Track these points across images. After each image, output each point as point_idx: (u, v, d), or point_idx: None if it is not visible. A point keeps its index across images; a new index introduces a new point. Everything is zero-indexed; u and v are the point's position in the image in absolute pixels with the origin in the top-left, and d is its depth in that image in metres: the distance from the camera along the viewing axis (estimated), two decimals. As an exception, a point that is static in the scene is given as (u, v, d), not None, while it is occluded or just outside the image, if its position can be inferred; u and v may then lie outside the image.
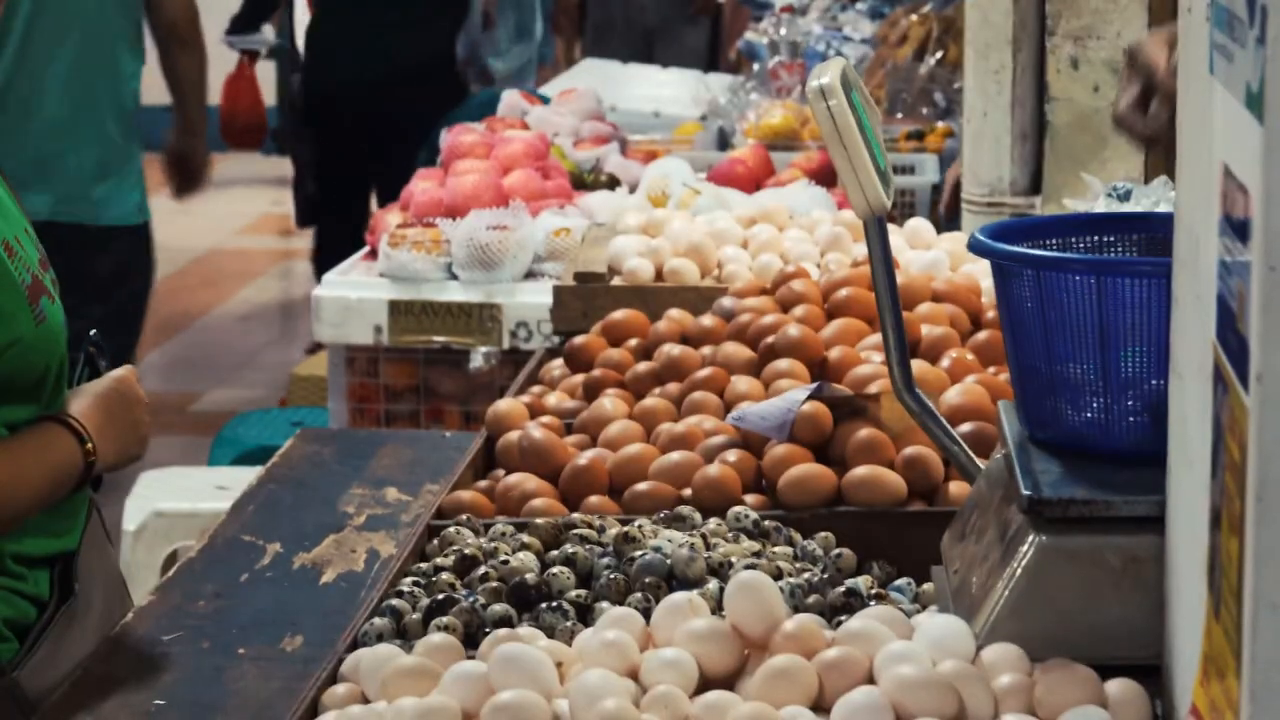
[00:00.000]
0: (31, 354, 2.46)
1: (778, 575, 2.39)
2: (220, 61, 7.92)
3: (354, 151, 7.69)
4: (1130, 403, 2.08)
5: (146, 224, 5.93)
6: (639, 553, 2.40)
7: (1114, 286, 2.05)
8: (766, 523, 2.59)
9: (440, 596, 2.35)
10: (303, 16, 9.29)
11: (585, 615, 2.33)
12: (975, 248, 2.20)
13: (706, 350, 3.17)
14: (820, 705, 1.96)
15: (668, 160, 5.30)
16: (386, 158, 7.38)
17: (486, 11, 8.42)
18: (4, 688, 2.42)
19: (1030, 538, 2.01)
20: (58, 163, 5.63)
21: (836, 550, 2.57)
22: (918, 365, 3.00)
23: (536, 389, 3.30)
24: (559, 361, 3.42)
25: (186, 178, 6.43)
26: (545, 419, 3.04)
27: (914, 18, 7.34)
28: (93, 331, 2.67)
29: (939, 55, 6.96)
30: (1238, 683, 1.55)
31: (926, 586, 2.46)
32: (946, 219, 5.05)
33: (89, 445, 2.51)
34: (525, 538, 2.53)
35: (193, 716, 2.31)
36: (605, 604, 2.33)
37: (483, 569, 2.44)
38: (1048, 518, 2.02)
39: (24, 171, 5.26)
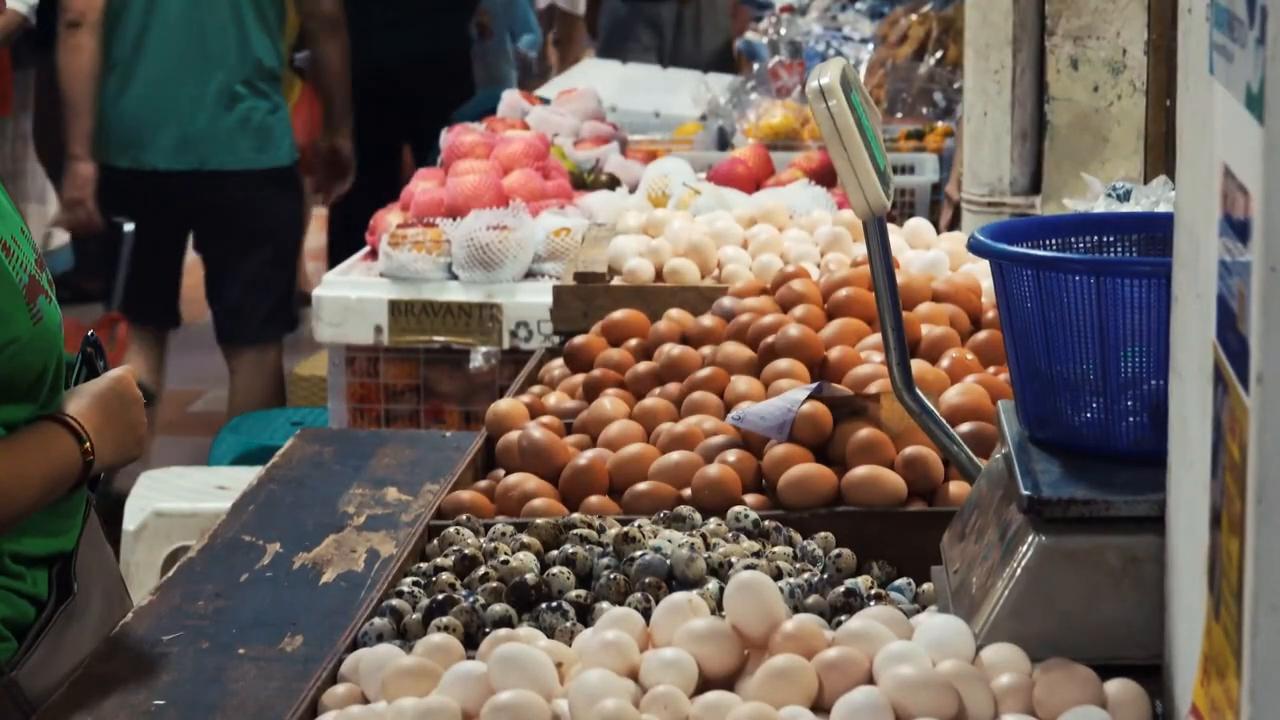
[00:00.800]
0: (29, 353, 2.46)
1: (778, 575, 2.39)
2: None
3: (387, 125, 7.81)
4: (1130, 403, 2.08)
5: (296, 163, 6.43)
6: (639, 553, 2.40)
7: (1113, 287, 2.05)
8: (766, 523, 2.59)
9: (440, 596, 2.35)
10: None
11: (585, 615, 2.33)
12: (975, 248, 2.20)
13: (706, 350, 3.17)
14: (820, 705, 1.96)
15: (668, 160, 5.30)
16: (417, 131, 7.57)
17: (481, 24, 8.52)
18: (3, 687, 2.42)
19: (1030, 538, 2.01)
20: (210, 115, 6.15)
21: (836, 550, 2.57)
22: (918, 365, 3.00)
23: (536, 389, 3.30)
24: (559, 361, 3.42)
25: (335, 173, 6.80)
26: (545, 419, 3.04)
27: (914, 18, 7.34)
28: (90, 333, 2.67)
29: (939, 55, 6.96)
30: (1238, 683, 1.55)
31: (926, 586, 2.46)
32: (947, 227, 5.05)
33: (87, 445, 2.51)
34: (525, 538, 2.53)
35: (193, 716, 2.31)
36: (605, 604, 2.33)
37: (483, 569, 2.44)
38: (1048, 518, 2.02)
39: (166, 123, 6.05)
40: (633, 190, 5.24)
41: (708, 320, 3.29)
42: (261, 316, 6.40)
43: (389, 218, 5.10)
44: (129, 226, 6.20)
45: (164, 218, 6.28)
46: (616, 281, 3.75)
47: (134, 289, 6.29)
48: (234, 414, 6.10)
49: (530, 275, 4.77)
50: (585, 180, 5.41)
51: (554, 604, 2.33)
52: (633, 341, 3.31)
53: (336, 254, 7.06)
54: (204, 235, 6.46)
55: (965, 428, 2.79)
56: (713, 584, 2.33)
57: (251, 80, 6.21)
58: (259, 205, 6.28)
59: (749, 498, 2.72)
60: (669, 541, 2.43)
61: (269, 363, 6.46)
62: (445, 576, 2.45)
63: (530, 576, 2.38)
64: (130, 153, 6.17)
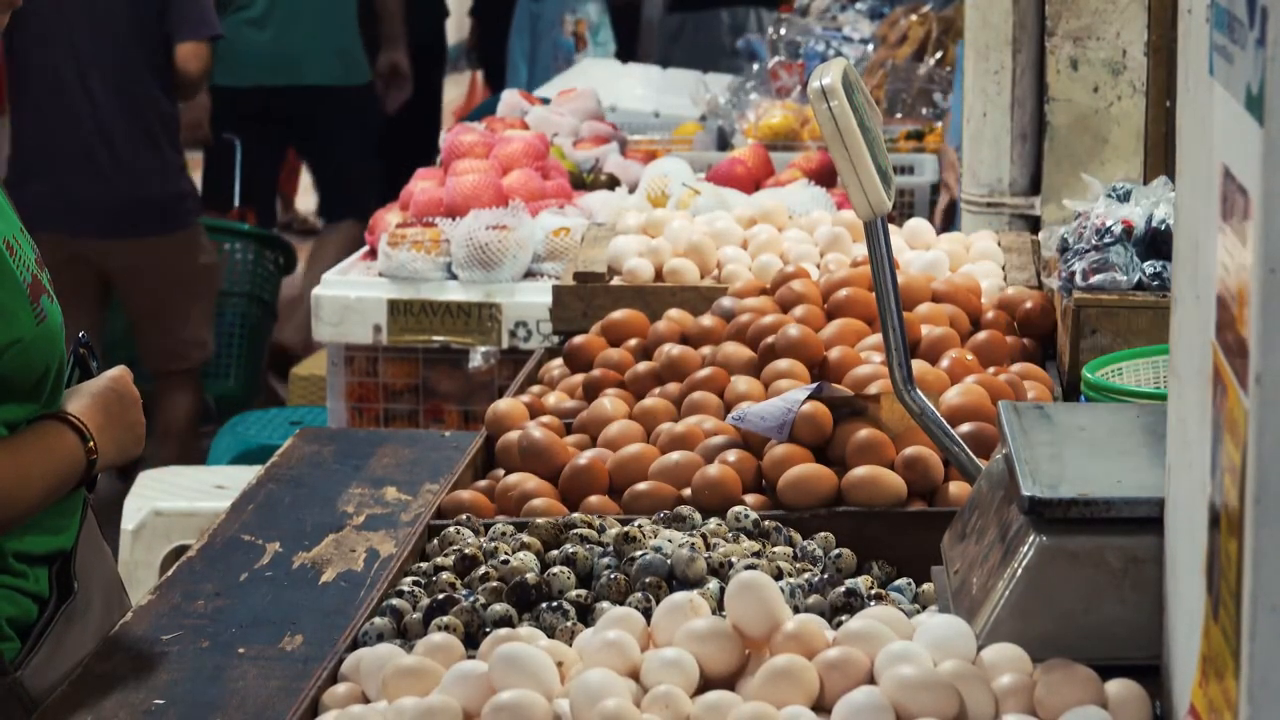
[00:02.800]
0: (32, 353, 2.46)
1: (778, 575, 2.39)
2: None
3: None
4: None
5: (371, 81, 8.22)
6: (639, 553, 2.40)
7: None
8: (766, 523, 2.59)
9: (440, 596, 2.36)
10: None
11: (585, 615, 2.34)
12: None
13: (706, 350, 3.17)
14: (821, 705, 1.96)
15: (667, 160, 5.30)
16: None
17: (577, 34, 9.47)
18: (7, 687, 2.42)
19: (1031, 538, 2.02)
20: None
21: (836, 550, 2.57)
22: (918, 365, 3.01)
23: (536, 389, 3.30)
24: (559, 361, 3.42)
25: (396, 85, 8.47)
26: (545, 419, 3.04)
27: (914, 18, 7.34)
28: (81, 334, 2.67)
29: (939, 55, 6.96)
30: (1236, 683, 1.55)
31: (926, 586, 2.46)
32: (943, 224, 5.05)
33: (91, 444, 2.51)
34: (525, 538, 2.54)
35: (193, 716, 2.32)
36: (605, 604, 2.33)
37: (483, 569, 2.44)
38: (1048, 518, 2.02)
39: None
40: (632, 190, 5.24)
41: (708, 320, 3.29)
42: (355, 197, 7.76)
43: (388, 217, 5.10)
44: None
45: (267, 129, 7.91)
46: (616, 281, 3.75)
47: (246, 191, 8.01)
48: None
49: (530, 275, 4.77)
50: (585, 180, 5.41)
51: (554, 604, 2.33)
52: (632, 341, 3.31)
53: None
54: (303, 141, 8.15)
55: (965, 428, 2.79)
56: (713, 584, 2.33)
57: (339, 10, 7.79)
58: (349, 114, 7.85)
59: (749, 498, 2.72)
60: (669, 541, 2.44)
61: (354, 239, 7.35)
62: (445, 576, 2.46)
63: (531, 576, 2.38)
64: (239, 72, 7.58)
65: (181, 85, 6.29)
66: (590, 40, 9.57)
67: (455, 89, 11.43)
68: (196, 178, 7.58)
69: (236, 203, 8.01)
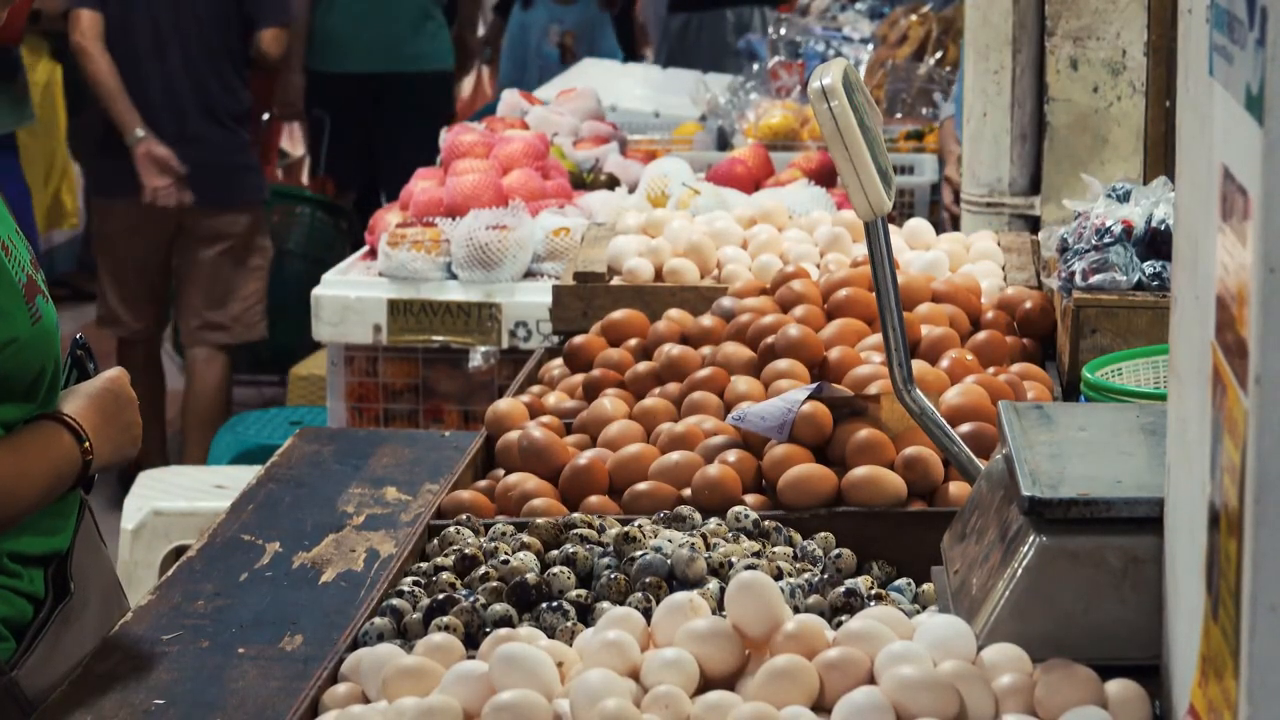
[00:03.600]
0: (28, 353, 2.46)
1: (778, 575, 2.39)
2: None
3: None
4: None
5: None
6: (639, 553, 2.40)
7: None
8: (766, 523, 2.59)
9: (440, 596, 2.36)
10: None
11: (585, 615, 2.34)
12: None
13: (706, 350, 3.17)
14: (821, 705, 1.96)
15: (667, 160, 5.30)
16: None
17: (564, 45, 9.62)
18: (3, 687, 2.42)
19: (1031, 538, 2.02)
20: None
21: (836, 550, 2.57)
22: (918, 365, 3.01)
23: (536, 389, 3.30)
24: (559, 361, 3.42)
25: (465, 58, 9.44)
26: (545, 419, 3.04)
27: (914, 18, 7.34)
28: (79, 335, 2.67)
29: (939, 55, 6.96)
30: (1236, 683, 1.55)
31: (926, 586, 2.46)
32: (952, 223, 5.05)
33: (87, 444, 2.51)
34: (525, 538, 2.54)
35: (193, 716, 2.32)
36: (605, 604, 2.33)
37: (483, 569, 2.44)
38: (1048, 518, 2.02)
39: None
40: (632, 190, 5.24)
41: (708, 320, 3.29)
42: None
43: (388, 217, 5.10)
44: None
45: (359, 110, 8.43)
46: (616, 281, 3.75)
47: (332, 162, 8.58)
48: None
49: (529, 275, 4.77)
50: (585, 180, 5.41)
51: (554, 604, 2.33)
52: (632, 341, 3.31)
53: None
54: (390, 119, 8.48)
55: (965, 428, 2.79)
56: (713, 584, 2.33)
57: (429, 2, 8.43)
58: (434, 96, 8.51)
59: (749, 498, 2.72)
60: (669, 541, 2.44)
61: None
62: (445, 576, 2.46)
63: (531, 576, 2.38)
64: (334, 58, 8.22)
65: (262, 68, 6.91)
66: (581, 53, 9.53)
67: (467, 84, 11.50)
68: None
69: (320, 172, 8.68)
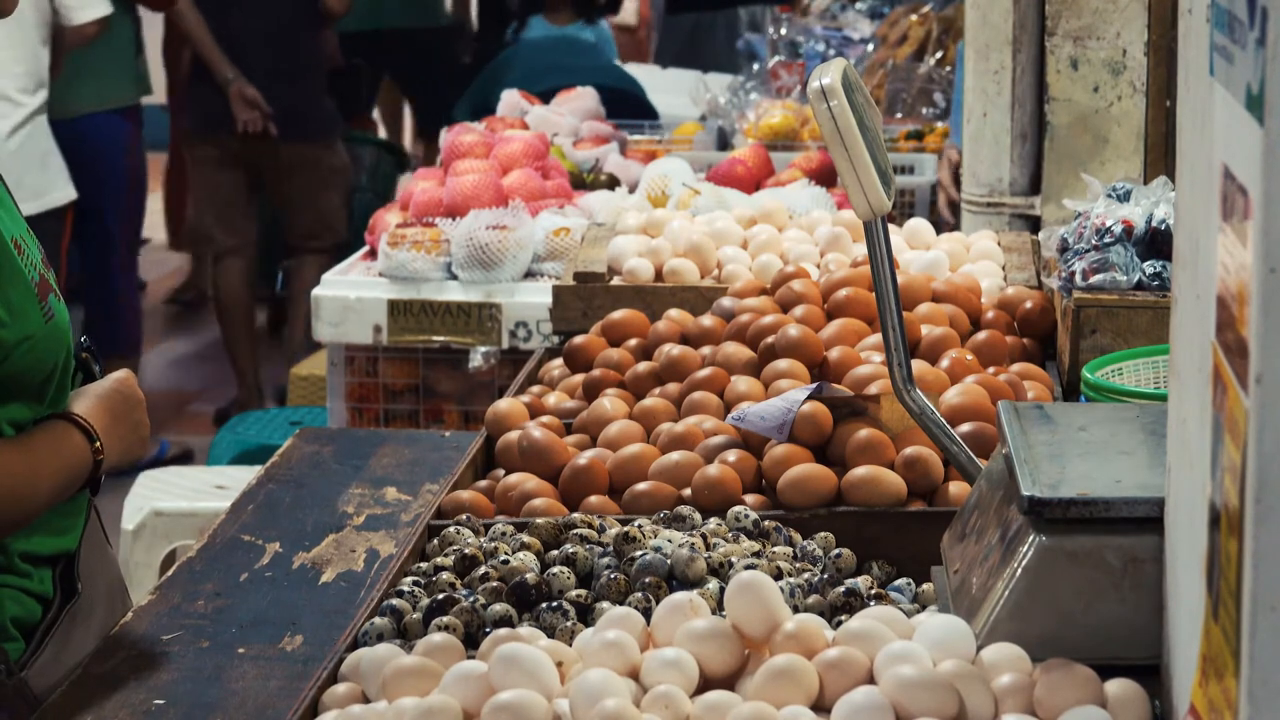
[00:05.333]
0: (41, 350, 2.47)
1: (778, 575, 2.39)
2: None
3: None
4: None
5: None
6: (639, 553, 2.40)
7: None
8: (766, 523, 2.59)
9: (440, 596, 2.35)
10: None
11: (585, 615, 2.33)
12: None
13: (706, 350, 3.17)
14: (820, 705, 1.96)
15: (667, 160, 5.31)
16: None
17: None
18: (14, 687, 2.43)
19: (1030, 538, 2.02)
20: None
21: (836, 550, 2.57)
22: (918, 365, 3.01)
23: (536, 389, 3.30)
24: (559, 361, 3.42)
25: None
26: (545, 419, 3.04)
27: (914, 18, 7.34)
28: (83, 338, 2.68)
29: (939, 55, 6.96)
30: (1236, 683, 1.55)
31: (926, 586, 2.46)
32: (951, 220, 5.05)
33: (97, 444, 2.52)
34: (525, 538, 2.54)
35: (193, 716, 2.32)
36: (605, 604, 2.33)
37: (483, 569, 2.44)
38: (1048, 518, 2.02)
39: None
40: (632, 190, 5.24)
41: (708, 320, 3.29)
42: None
43: (388, 217, 5.10)
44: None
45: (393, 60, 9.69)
46: (616, 281, 3.75)
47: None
48: None
49: (530, 275, 4.77)
50: (585, 180, 5.41)
51: (554, 604, 2.33)
52: (632, 341, 3.31)
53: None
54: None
55: (965, 428, 2.79)
56: (713, 584, 2.33)
57: None
58: (442, 46, 9.70)
59: (749, 498, 2.72)
60: (669, 541, 2.44)
61: None
62: (445, 576, 2.46)
63: (530, 576, 2.38)
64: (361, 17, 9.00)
65: (328, 19, 8.05)
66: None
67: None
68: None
69: (372, 114, 10.07)
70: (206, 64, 7.74)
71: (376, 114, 10.97)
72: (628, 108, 6.94)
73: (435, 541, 2.65)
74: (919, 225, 3.85)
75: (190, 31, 7.74)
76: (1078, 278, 3.13)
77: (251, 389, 7.94)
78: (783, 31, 7.74)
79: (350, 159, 8.35)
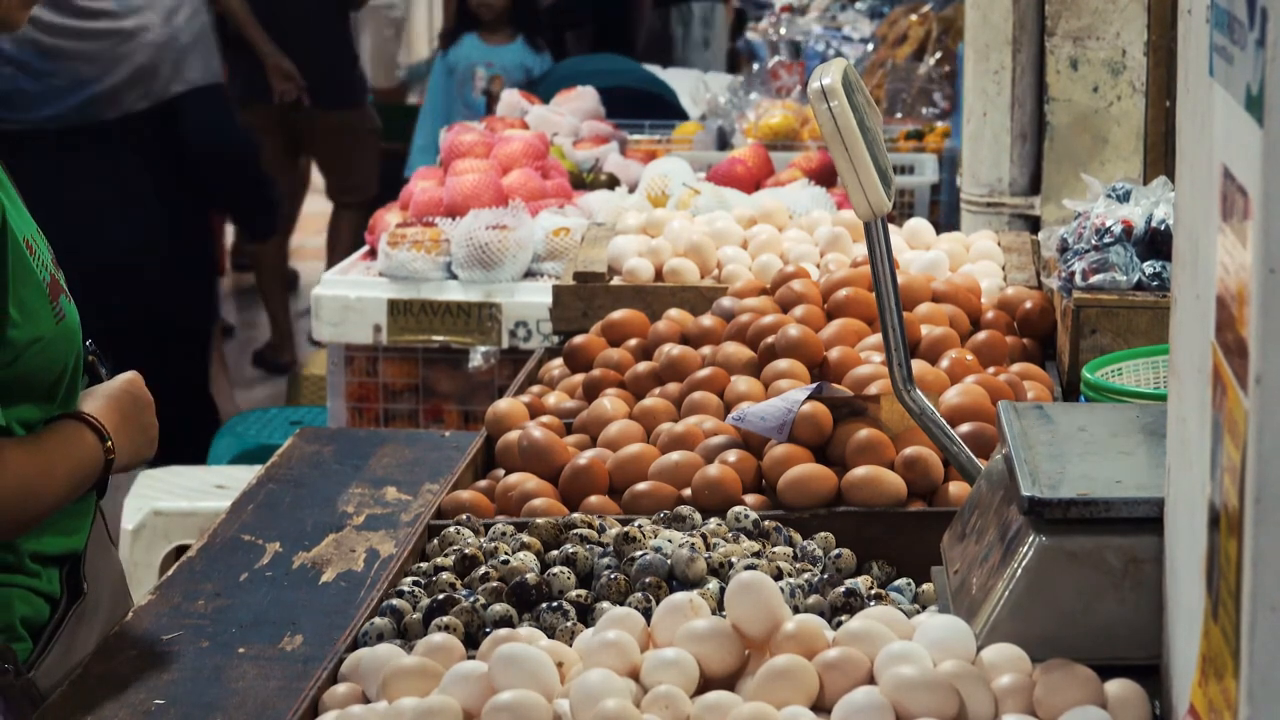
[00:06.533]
0: (52, 351, 2.47)
1: (778, 575, 2.39)
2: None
3: None
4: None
5: None
6: (639, 553, 2.40)
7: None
8: (766, 523, 2.59)
9: (440, 596, 2.36)
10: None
11: (585, 615, 2.34)
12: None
13: (706, 350, 3.17)
14: (820, 705, 1.96)
15: (667, 160, 5.31)
16: None
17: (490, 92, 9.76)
18: (21, 687, 2.43)
19: (1030, 538, 2.02)
20: None
21: (836, 550, 2.57)
22: (918, 365, 3.01)
23: (536, 389, 3.30)
24: (559, 361, 3.42)
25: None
26: (545, 419, 3.04)
27: (914, 18, 7.34)
28: (89, 341, 2.68)
29: (939, 55, 6.96)
30: (1236, 683, 1.55)
31: (926, 586, 2.46)
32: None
33: (109, 444, 2.52)
34: (525, 538, 2.54)
35: (193, 716, 2.32)
36: (605, 604, 2.33)
37: (483, 569, 2.44)
38: (1048, 518, 2.02)
39: None
40: (632, 190, 5.24)
41: (708, 320, 3.29)
42: None
43: (388, 217, 5.10)
44: None
45: None
46: (616, 281, 3.75)
47: None
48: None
49: (530, 275, 4.77)
50: (585, 180, 5.41)
51: (554, 604, 2.33)
52: (632, 341, 3.31)
53: None
54: None
55: (965, 428, 2.79)
56: (713, 584, 2.33)
57: None
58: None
59: (749, 498, 2.72)
60: (669, 541, 2.44)
61: None
62: (445, 576, 2.46)
63: (531, 576, 2.38)
64: None
65: (355, 3, 9.17)
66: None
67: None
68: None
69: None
70: (249, 41, 8.57)
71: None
72: (656, 112, 6.92)
73: (435, 541, 2.65)
74: (919, 225, 3.85)
75: (235, 12, 8.53)
76: (1077, 278, 3.13)
77: (284, 333, 8.87)
78: (783, 31, 7.74)
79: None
